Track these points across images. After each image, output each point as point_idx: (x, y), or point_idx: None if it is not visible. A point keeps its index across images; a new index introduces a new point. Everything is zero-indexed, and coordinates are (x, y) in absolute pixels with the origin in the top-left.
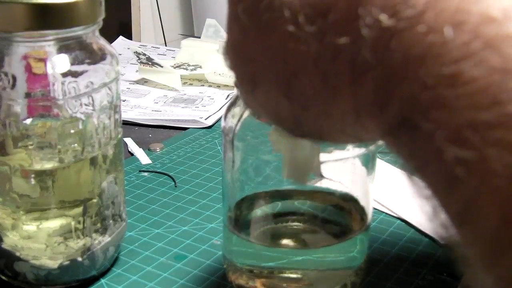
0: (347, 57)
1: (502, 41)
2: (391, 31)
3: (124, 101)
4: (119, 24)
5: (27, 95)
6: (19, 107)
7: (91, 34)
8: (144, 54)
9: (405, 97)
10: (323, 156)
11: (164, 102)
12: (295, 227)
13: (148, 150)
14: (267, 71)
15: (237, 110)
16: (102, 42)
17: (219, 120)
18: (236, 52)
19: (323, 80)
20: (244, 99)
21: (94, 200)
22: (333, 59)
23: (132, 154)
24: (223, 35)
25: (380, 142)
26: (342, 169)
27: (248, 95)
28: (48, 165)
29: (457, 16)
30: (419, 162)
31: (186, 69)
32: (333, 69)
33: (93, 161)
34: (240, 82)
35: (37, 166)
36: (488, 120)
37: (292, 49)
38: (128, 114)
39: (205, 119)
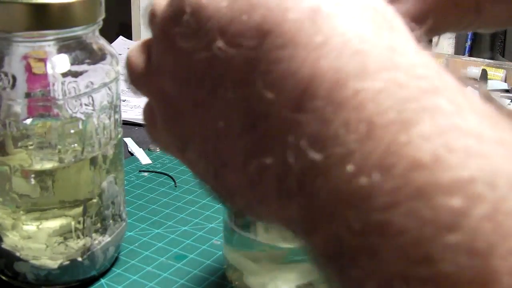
0: (274, 174)
1: (432, 190)
2: (319, 167)
3: (124, 101)
4: (119, 24)
5: (27, 95)
6: (19, 107)
7: (91, 34)
8: None
9: (332, 237)
10: None
11: None
12: None
13: (148, 150)
14: (198, 149)
15: None
16: (102, 42)
17: None
18: (167, 128)
19: (251, 185)
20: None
21: (94, 200)
22: (261, 172)
23: (132, 154)
24: None
25: None
26: None
27: (173, 154)
28: (48, 165)
29: (386, 159)
30: None
31: None
32: (260, 180)
33: (93, 161)
34: (165, 148)
35: (37, 166)
36: (420, 276)
37: (223, 143)
38: (128, 114)
39: None
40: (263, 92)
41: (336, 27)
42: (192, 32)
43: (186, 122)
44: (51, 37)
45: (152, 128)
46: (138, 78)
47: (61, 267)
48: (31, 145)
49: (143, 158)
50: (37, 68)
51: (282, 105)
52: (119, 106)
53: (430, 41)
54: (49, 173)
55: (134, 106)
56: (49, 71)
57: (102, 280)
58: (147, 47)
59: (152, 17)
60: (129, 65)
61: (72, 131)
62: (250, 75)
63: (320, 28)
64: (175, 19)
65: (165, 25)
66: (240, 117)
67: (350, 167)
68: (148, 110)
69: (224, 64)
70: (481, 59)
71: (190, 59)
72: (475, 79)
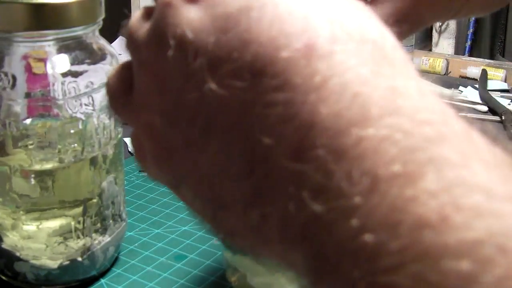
0: (275, 222)
1: (440, 252)
2: (322, 219)
3: None
4: (119, 24)
5: (27, 95)
6: (19, 107)
7: (91, 34)
8: None
9: None
10: None
11: None
12: None
13: None
14: (193, 188)
15: None
16: (102, 42)
17: None
18: (158, 165)
19: (252, 230)
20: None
21: (94, 200)
22: (262, 219)
23: (132, 154)
24: None
25: None
26: None
27: (167, 187)
28: (48, 165)
29: (392, 216)
30: None
31: None
32: (262, 226)
33: (93, 161)
34: (158, 181)
35: (37, 166)
36: None
37: (220, 185)
38: None
39: None
40: (259, 137)
41: (333, 67)
42: (179, 70)
43: (178, 161)
44: (51, 37)
45: (142, 160)
46: (122, 108)
47: (61, 267)
48: (31, 145)
49: None
50: (37, 68)
51: (280, 152)
52: None
53: (430, 41)
54: (49, 173)
55: None
56: (49, 71)
57: (102, 280)
58: (127, 71)
59: (130, 42)
60: (110, 93)
61: (72, 131)
62: (245, 118)
63: (316, 68)
64: (158, 52)
65: (148, 58)
66: (236, 161)
67: (355, 222)
68: (136, 140)
69: (217, 105)
70: (481, 59)
71: (179, 98)
72: (475, 79)
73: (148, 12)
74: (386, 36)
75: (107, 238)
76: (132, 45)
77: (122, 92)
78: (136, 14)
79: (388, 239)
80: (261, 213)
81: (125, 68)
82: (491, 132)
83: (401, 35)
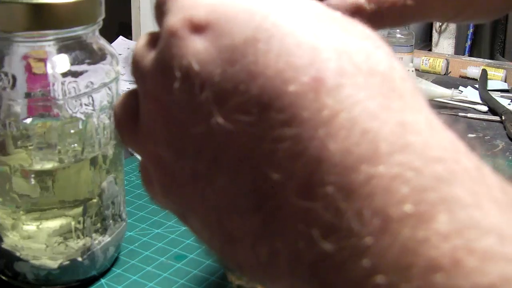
0: (285, 258)
1: None
2: (333, 258)
3: None
4: (119, 24)
5: (27, 95)
6: (19, 107)
7: (91, 34)
8: None
9: None
10: None
11: None
12: None
13: None
14: (200, 220)
15: None
16: (102, 42)
17: None
18: (165, 195)
19: (261, 265)
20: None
21: (94, 200)
22: (271, 254)
23: (132, 154)
24: None
25: None
26: None
27: (175, 216)
28: (48, 165)
29: (404, 257)
30: None
31: None
32: (271, 262)
33: (93, 161)
34: (166, 209)
35: (37, 166)
36: None
37: (228, 219)
38: None
39: None
40: (267, 172)
41: (342, 101)
42: (185, 102)
43: (186, 192)
44: (51, 37)
45: (150, 188)
46: (128, 137)
47: (61, 267)
48: (31, 145)
49: None
50: (37, 68)
51: (288, 189)
52: None
53: (430, 41)
54: (49, 173)
55: None
56: (49, 71)
57: (102, 280)
58: (133, 99)
59: (136, 71)
60: (116, 122)
61: (72, 131)
62: (253, 152)
63: (324, 103)
64: (164, 83)
65: (154, 89)
66: (244, 195)
67: (366, 262)
68: (143, 168)
69: (224, 138)
70: (481, 59)
71: (186, 130)
72: (475, 79)
73: (153, 39)
74: (394, 67)
75: (107, 238)
76: (137, 73)
77: (129, 121)
78: (140, 40)
79: (399, 281)
80: (270, 249)
81: (131, 96)
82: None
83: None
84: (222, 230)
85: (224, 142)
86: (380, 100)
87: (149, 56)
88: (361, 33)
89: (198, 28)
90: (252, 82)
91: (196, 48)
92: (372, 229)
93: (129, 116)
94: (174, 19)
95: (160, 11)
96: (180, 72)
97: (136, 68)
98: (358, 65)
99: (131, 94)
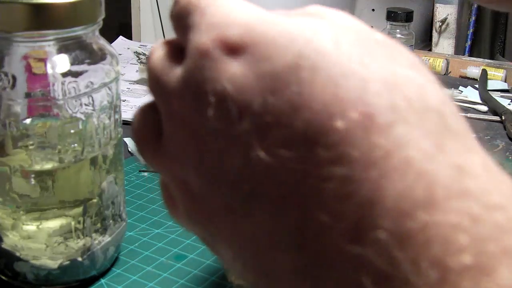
0: None
1: None
2: None
3: (124, 101)
4: (119, 24)
5: (27, 95)
6: (19, 107)
7: (91, 34)
8: (144, 54)
9: None
10: None
11: None
12: None
13: None
14: (232, 251)
15: None
16: (102, 42)
17: None
18: (192, 220)
19: None
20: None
21: (94, 200)
22: None
23: (132, 154)
24: None
25: None
26: None
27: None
28: (48, 165)
29: None
30: None
31: None
32: None
33: (93, 161)
34: (192, 233)
35: (37, 166)
36: None
37: (265, 254)
38: (128, 114)
39: None
40: (313, 212)
41: (394, 140)
42: (221, 131)
43: (216, 221)
44: (51, 37)
45: (173, 210)
46: (152, 155)
47: (61, 267)
48: (31, 145)
49: None
50: (37, 68)
51: (337, 231)
52: (119, 106)
53: (430, 41)
54: (49, 173)
55: (134, 106)
56: (49, 71)
57: (102, 280)
58: (153, 114)
59: (157, 87)
60: (137, 139)
61: (72, 131)
62: (297, 190)
63: (376, 142)
64: (195, 108)
65: (183, 112)
66: (288, 232)
67: None
68: (165, 190)
69: (265, 173)
70: (481, 59)
71: (220, 160)
72: (475, 79)
73: (174, 51)
74: (446, 101)
75: (107, 238)
76: (159, 90)
77: (150, 139)
78: (156, 50)
79: None
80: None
81: (151, 111)
82: None
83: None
84: (258, 264)
85: (264, 176)
86: (434, 139)
87: (174, 73)
88: (408, 61)
89: (233, 49)
90: (296, 115)
91: (232, 71)
92: (430, 280)
93: (151, 133)
94: (205, 37)
95: (183, 24)
96: (215, 97)
97: (157, 84)
98: (410, 99)
99: (150, 109)
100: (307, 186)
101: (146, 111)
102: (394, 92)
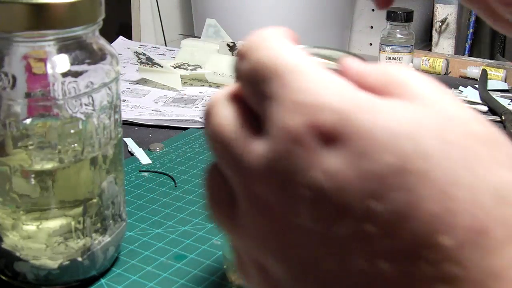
0: None
1: None
2: None
3: (124, 101)
4: (119, 24)
5: (27, 95)
6: (19, 107)
7: (91, 34)
8: (144, 54)
9: None
10: None
11: (164, 102)
12: None
13: (148, 150)
14: None
15: None
16: (102, 42)
17: None
18: None
19: None
20: None
21: (94, 200)
22: None
23: (132, 154)
24: (223, 35)
25: None
26: None
27: None
28: (48, 165)
29: None
30: None
31: (186, 69)
32: None
33: (93, 161)
34: None
35: (37, 166)
36: None
37: None
38: (128, 114)
39: None
40: None
41: (509, 260)
42: (315, 232)
43: None
44: (51, 37)
45: (247, 277)
46: (224, 223)
47: (61, 267)
48: (31, 145)
49: (143, 158)
50: (37, 68)
51: None
52: (119, 106)
53: (430, 41)
54: (49, 173)
55: (134, 106)
56: (49, 71)
57: (102, 280)
58: (223, 180)
59: (228, 157)
60: (211, 204)
61: (72, 131)
62: None
63: (490, 262)
64: (285, 202)
65: (267, 197)
66: None
67: None
68: (238, 257)
69: (359, 279)
70: (481, 59)
71: (311, 262)
72: (475, 79)
73: (244, 113)
74: None
75: (107, 238)
76: (234, 165)
77: (224, 206)
78: (220, 106)
79: None
80: None
81: (221, 177)
82: None
83: None
84: None
85: (359, 283)
86: None
87: (254, 150)
88: (509, 160)
89: (327, 138)
90: (403, 226)
91: (329, 165)
92: None
93: (225, 199)
94: (295, 120)
95: (257, 89)
96: (310, 192)
97: (230, 155)
98: None
99: (219, 175)
100: None
101: (215, 177)
102: (503, 204)
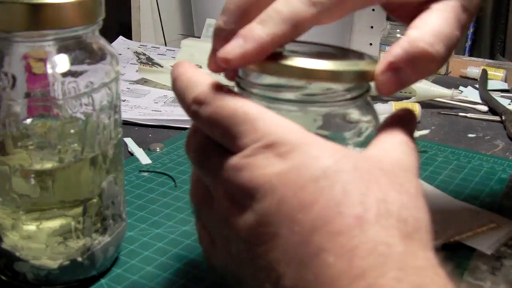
0: None
1: None
2: None
3: (124, 101)
4: (119, 24)
5: (27, 95)
6: (19, 107)
7: (91, 34)
8: (144, 54)
9: None
10: None
11: (164, 102)
12: None
13: (148, 150)
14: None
15: None
16: (102, 42)
17: None
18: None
19: None
20: None
21: (94, 200)
22: None
23: (132, 154)
24: None
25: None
26: None
27: None
28: (48, 165)
29: None
30: None
31: None
32: None
33: (93, 161)
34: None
35: (37, 166)
36: None
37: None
38: (128, 114)
39: None
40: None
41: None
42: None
43: (238, 269)
44: (51, 37)
45: (212, 254)
46: (204, 213)
47: (61, 267)
48: (31, 145)
49: (143, 158)
50: (37, 68)
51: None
52: (119, 106)
53: None
54: (49, 173)
55: (134, 106)
56: (49, 71)
57: (102, 280)
58: (206, 191)
59: (200, 204)
60: (193, 198)
61: (72, 131)
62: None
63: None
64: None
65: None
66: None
67: None
68: (207, 236)
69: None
70: (481, 59)
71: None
72: (475, 79)
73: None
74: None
75: (107, 238)
76: (201, 207)
77: (205, 202)
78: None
79: None
80: None
81: (204, 189)
82: None
83: None
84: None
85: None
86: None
87: (245, 220)
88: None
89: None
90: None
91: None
92: None
93: (204, 197)
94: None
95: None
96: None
97: (200, 201)
98: (389, 210)
99: (203, 188)
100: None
101: (198, 180)
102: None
